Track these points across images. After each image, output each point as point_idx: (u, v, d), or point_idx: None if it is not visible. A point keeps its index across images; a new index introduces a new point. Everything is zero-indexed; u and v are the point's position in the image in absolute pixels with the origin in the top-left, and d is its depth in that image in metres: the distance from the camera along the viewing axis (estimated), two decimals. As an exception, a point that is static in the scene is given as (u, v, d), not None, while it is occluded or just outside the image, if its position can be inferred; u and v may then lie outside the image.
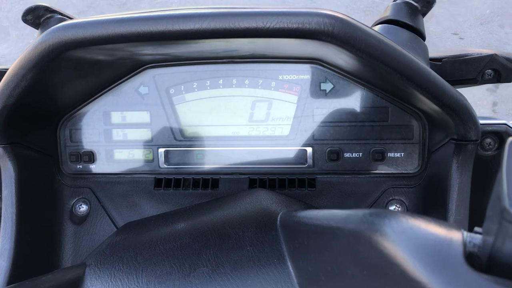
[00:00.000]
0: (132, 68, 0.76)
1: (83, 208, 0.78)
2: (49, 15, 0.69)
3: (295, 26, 0.48)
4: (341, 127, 0.74)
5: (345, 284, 0.41)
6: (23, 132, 0.70)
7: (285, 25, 0.48)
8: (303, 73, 0.74)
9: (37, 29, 0.72)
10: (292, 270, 0.51)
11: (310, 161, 0.76)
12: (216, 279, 0.52)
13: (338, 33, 0.48)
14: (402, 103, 0.72)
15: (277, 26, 0.48)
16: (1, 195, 0.77)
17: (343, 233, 0.40)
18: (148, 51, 0.63)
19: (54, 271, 0.57)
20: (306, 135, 0.76)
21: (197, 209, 0.68)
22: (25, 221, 0.69)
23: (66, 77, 0.67)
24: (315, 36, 0.48)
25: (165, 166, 0.79)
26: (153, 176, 0.79)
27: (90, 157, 0.79)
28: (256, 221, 0.59)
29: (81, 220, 0.78)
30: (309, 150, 0.76)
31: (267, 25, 0.48)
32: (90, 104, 0.79)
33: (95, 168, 0.80)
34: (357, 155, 0.75)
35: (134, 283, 0.53)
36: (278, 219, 0.59)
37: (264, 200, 0.65)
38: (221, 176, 0.78)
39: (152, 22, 0.49)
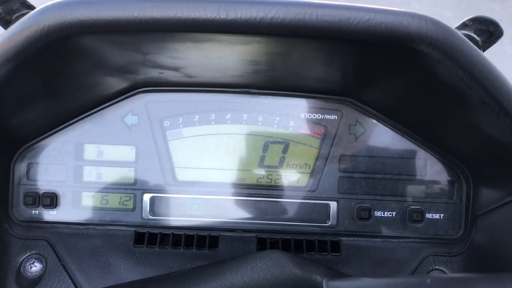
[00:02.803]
0: (121, 90, 0.60)
1: (36, 267, 0.59)
2: (24, 11, 0.53)
3: (390, 26, 0.36)
4: (374, 179, 0.62)
5: None
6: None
7: (379, 24, 0.36)
8: (330, 113, 0.62)
9: (5, 28, 0.56)
10: None
11: (333, 218, 0.62)
12: None
13: (443, 43, 0.37)
14: (444, 154, 0.61)
15: (369, 24, 0.36)
16: None
17: None
18: (162, 57, 0.48)
19: None
20: (329, 187, 0.63)
21: (199, 275, 0.51)
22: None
23: (36, 90, 0.51)
24: (413, 42, 0.37)
25: (150, 216, 0.62)
26: (133, 229, 0.62)
27: (52, 200, 0.61)
28: None
29: (32, 283, 0.58)
30: (333, 205, 0.62)
31: (355, 22, 0.35)
32: (59, 133, 0.62)
33: (56, 215, 0.62)
34: (390, 214, 0.62)
35: None
36: None
37: (292, 265, 0.50)
38: (221, 233, 0.62)
39: (201, 6, 0.35)
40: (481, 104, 0.42)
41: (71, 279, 0.58)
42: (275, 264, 0.50)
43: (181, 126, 0.63)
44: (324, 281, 0.46)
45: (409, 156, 0.62)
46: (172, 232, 0.62)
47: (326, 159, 0.63)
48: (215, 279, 0.49)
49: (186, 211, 0.63)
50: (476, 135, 0.51)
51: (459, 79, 0.40)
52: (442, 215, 0.62)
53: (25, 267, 0.59)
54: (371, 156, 0.62)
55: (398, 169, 0.62)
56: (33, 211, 0.62)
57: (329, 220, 0.62)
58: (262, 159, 0.63)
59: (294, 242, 0.62)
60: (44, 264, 0.59)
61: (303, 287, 0.45)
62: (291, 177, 0.63)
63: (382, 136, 0.62)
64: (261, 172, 0.63)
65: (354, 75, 0.54)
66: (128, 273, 0.58)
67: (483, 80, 0.40)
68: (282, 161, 0.63)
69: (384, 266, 0.61)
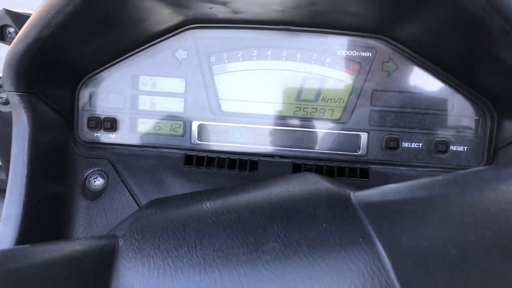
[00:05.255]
0: (173, 26, 0.67)
1: (99, 181, 0.67)
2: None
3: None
4: (403, 113, 0.67)
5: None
6: (41, 83, 0.60)
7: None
8: (365, 50, 0.67)
9: None
10: (383, 251, 0.42)
11: (363, 148, 0.68)
12: (291, 256, 0.42)
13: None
14: (471, 91, 0.65)
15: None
16: (6, 156, 0.66)
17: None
18: None
19: (81, 238, 0.46)
20: (360, 120, 0.68)
21: (242, 187, 0.59)
22: (35, 186, 0.58)
23: (98, 22, 0.58)
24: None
25: (198, 142, 0.69)
26: (183, 152, 0.69)
27: (112, 124, 0.69)
28: (325, 199, 0.51)
29: (96, 195, 0.67)
30: (364, 136, 0.68)
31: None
32: (117, 65, 0.69)
33: (116, 138, 0.70)
34: (417, 145, 0.67)
35: (187, 256, 0.43)
36: (352, 197, 0.50)
37: (323, 181, 0.56)
38: (261, 158, 0.69)
39: None
40: (503, 33, 0.46)
41: (129, 192, 0.67)
42: (308, 180, 0.57)
43: (225, 61, 0.69)
44: (351, 193, 0.52)
45: (438, 92, 0.67)
46: (217, 156, 0.69)
47: (359, 94, 0.68)
48: (254, 191, 0.56)
49: (229, 138, 0.70)
50: (500, 68, 0.55)
51: (481, 9, 0.44)
52: (466, 147, 0.67)
53: (89, 181, 0.68)
54: (402, 92, 0.67)
55: (426, 104, 0.67)
56: (95, 134, 0.70)
57: (359, 149, 0.68)
58: (299, 93, 0.69)
59: (326, 168, 0.68)
60: (106, 179, 0.68)
61: (332, 197, 0.52)
62: (325, 110, 0.69)
63: (412, 73, 0.67)
64: (298, 105, 0.69)
65: (389, 10, 0.58)
66: (178, 188, 0.66)
67: (504, 9, 0.44)
68: (317, 95, 0.69)
69: None
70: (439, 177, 0.41)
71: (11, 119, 0.60)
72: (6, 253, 0.36)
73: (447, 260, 0.34)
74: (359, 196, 0.51)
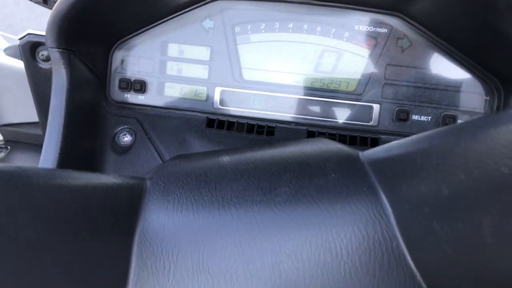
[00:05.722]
0: (202, -4, 0.71)
1: (127, 138, 0.73)
2: None
3: None
4: (414, 87, 0.71)
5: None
6: (80, 42, 0.65)
7: None
8: (381, 26, 0.71)
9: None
10: (385, 199, 0.47)
11: (375, 119, 0.72)
12: (301, 199, 0.47)
13: None
14: (481, 68, 0.69)
15: None
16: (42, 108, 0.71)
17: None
18: None
19: (115, 174, 0.51)
20: (374, 92, 0.72)
21: (260, 146, 0.64)
22: (70, 137, 0.64)
23: None
24: None
25: (220, 106, 0.74)
26: (206, 115, 0.74)
27: (141, 86, 0.74)
28: (336, 155, 0.55)
29: (124, 150, 0.72)
30: (376, 107, 0.72)
31: None
32: (148, 31, 0.74)
33: (144, 99, 0.75)
34: (426, 118, 0.71)
35: (207, 195, 0.48)
36: (361, 155, 0.55)
37: (335, 143, 0.61)
38: (277, 124, 0.74)
39: None
40: (508, 8, 0.50)
41: (155, 148, 0.72)
42: (320, 142, 0.62)
43: (249, 32, 0.73)
44: (360, 152, 0.56)
45: (448, 69, 0.70)
46: (237, 121, 0.74)
47: (374, 68, 0.72)
48: (270, 149, 0.61)
49: (249, 105, 0.74)
50: (508, 45, 0.59)
51: None
52: None
53: (119, 137, 0.73)
54: (414, 67, 0.71)
55: (436, 80, 0.70)
56: (126, 95, 0.75)
57: (371, 120, 0.72)
58: (318, 65, 0.73)
59: (338, 136, 0.72)
60: (134, 136, 0.73)
61: (342, 154, 0.56)
62: (341, 82, 0.73)
63: (425, 50, 0.70)
64: (316, 76, 0.73)
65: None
66: (199, 148, 0.71)
67: None
68: (334, 68, 0.73)
69: None
70: (440, 129, 0.45)
71: (50, 75, 0.65)
72: (53, 171, 0.41)
73: (440, 200, 0.39)
74: (367, 154, 0.55)
